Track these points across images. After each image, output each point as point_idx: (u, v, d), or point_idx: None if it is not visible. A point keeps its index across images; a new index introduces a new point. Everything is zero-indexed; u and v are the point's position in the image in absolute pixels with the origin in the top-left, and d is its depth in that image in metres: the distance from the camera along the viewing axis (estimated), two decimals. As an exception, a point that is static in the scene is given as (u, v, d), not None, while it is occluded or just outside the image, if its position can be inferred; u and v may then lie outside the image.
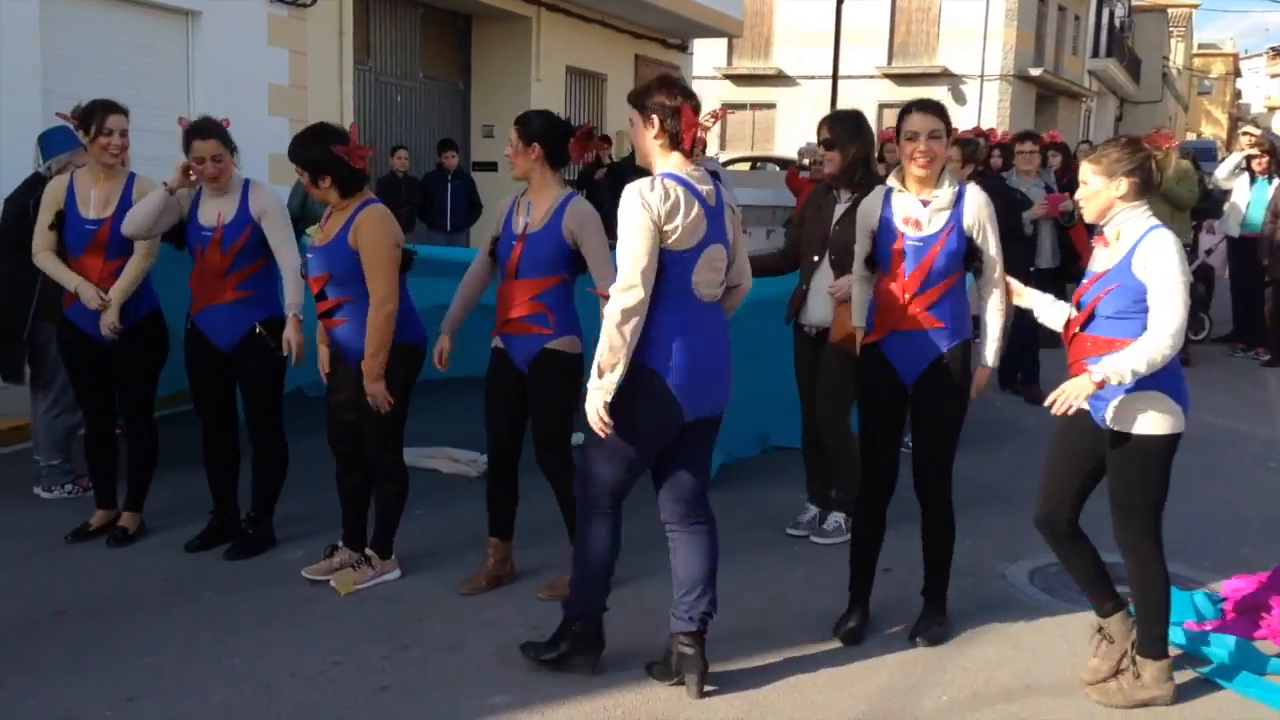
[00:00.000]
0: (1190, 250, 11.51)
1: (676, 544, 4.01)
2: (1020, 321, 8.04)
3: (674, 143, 3.78)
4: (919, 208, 4.22)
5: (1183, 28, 58.30)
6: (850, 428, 5.32)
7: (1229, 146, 44.72)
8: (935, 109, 4.23)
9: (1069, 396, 3.71)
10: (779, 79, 34.50)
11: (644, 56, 18.60)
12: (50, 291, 5.38)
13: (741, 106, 34.84)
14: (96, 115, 5.08)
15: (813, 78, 32.05)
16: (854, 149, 5.20)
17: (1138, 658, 3.96)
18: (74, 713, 3.71)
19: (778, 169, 21.76)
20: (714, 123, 4.01)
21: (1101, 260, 3.88)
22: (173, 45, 9.96)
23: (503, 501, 4.84)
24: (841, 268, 5.05)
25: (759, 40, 34.37)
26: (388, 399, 4.58)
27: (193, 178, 4.92)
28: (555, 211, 4.50)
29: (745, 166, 28.46)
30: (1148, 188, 3.80)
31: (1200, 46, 69.92)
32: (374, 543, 4.87)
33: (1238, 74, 74.25)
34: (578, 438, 6.93)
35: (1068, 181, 11.30)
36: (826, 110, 10.78)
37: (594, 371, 3.67)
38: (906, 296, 4.21)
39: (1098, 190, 3.82)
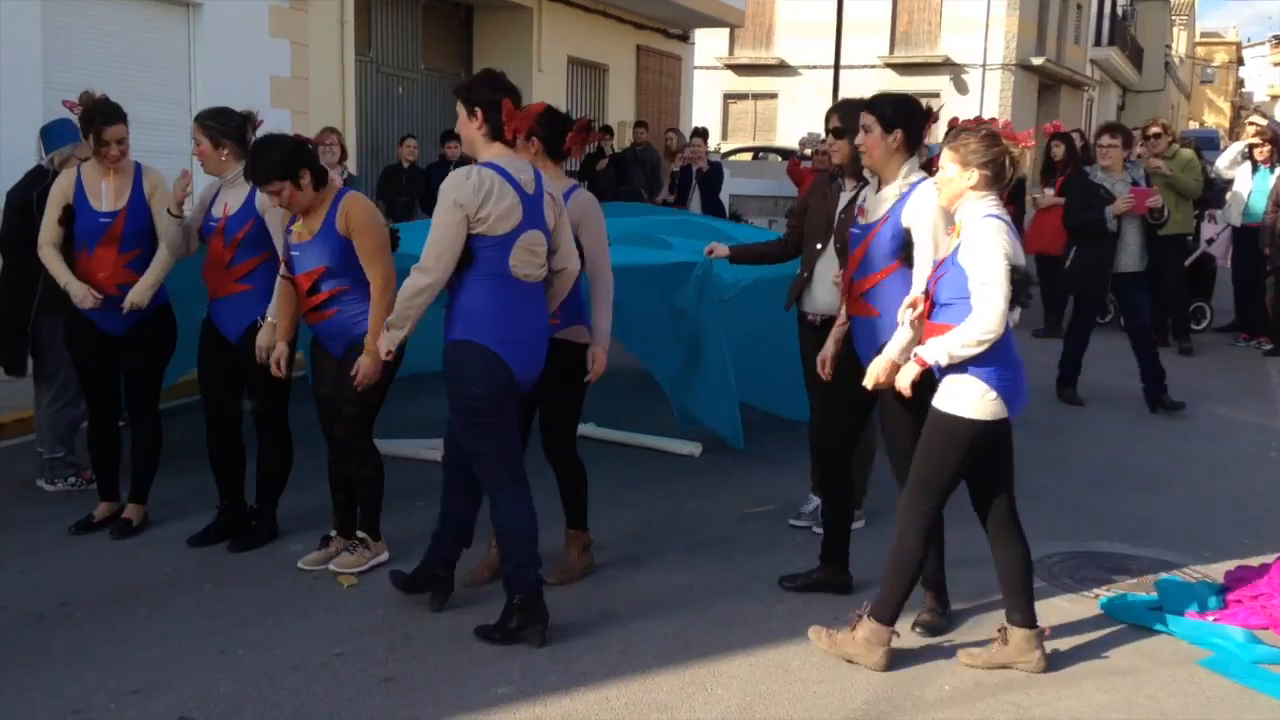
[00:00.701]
0: (1193, 239, 11.50)
1: (455, 482, 4.45)
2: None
3: (496, 134, 4.11)
4: (873, 198, 4.39)
5: (1185, 16, 58.11)
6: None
7: (1232, 135, 44.66)
8: (840, 108, 4.45)
9: (900, 381, 3.95)
10: (781, 69, 34.38)
11: (646, 47, 18.58)
12: (53, 285, 5.39)
13: (743, 96, 34.77)
14: (95, 125, 5.08)
15: (815, 67, 31.94)
16: None
17: (1006, 625, 4.07)
18: (78, 704, 3.72)
19: (780, 159, 21.71)
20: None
21: (945, 247, 4.03)
22: (174, 37, 9.96)
23: None
24: (844, 255, 5.06)
25: (761, 30, 34.24)
26: (374, 378, 4.58)
27: (188, 190, 5.09)
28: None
29: (747, 157, 28.40)
30: (998, 180, 3.90)
31: (1203, 35, 69.77)
32: (363, 526, 4.93)
33: (1240, 62, 74.09)
34: (580, 428, 6.98)
35: (1070, 173, 11.30)
36: (828, 100, 10.80)
37: (386, 321, 4.18)
38: (850, 282, 4.42)
39: (952, 178, 3.92)
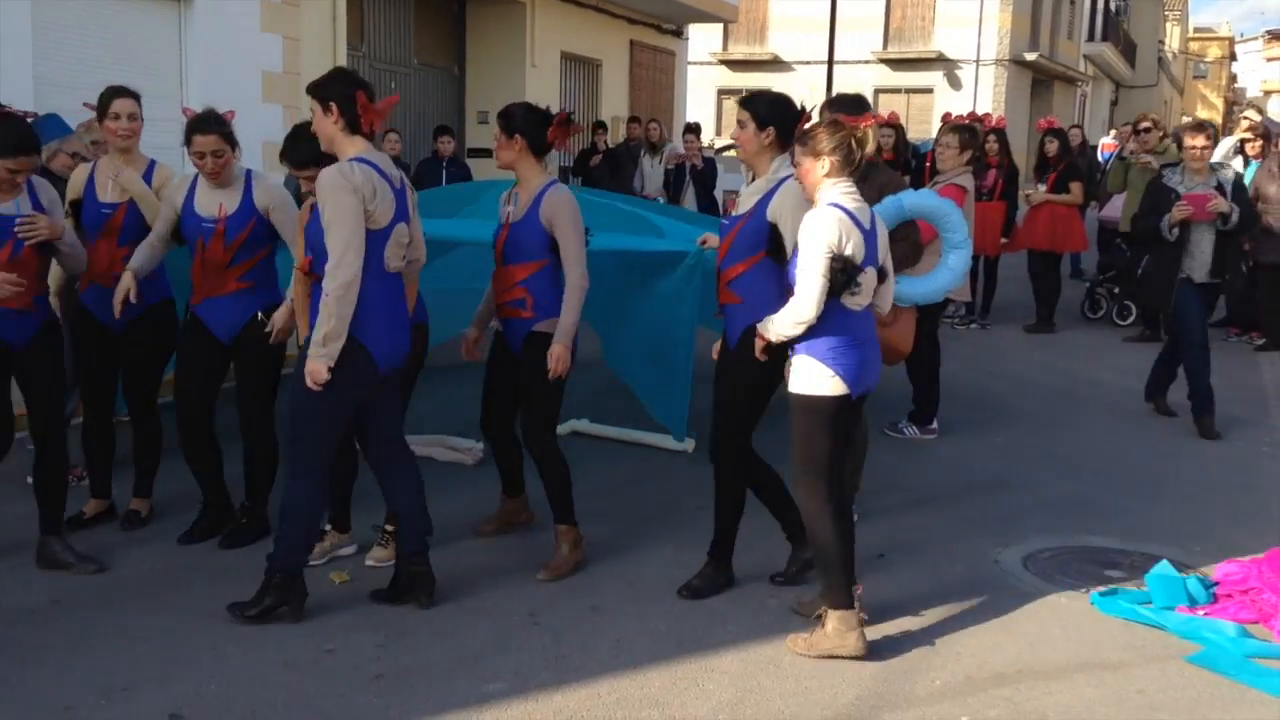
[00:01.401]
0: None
1: (389, 480, 4.45)
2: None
3: (354, 127, 4.12)
4: (745, 191, 4.49)
5: (1178, 11, 58.15)
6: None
7: (1225, 130, 44.67)
8: (741, 101, 4.45)
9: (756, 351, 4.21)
10: (774, 64, 34.38)
11: (639, 42, 18.55)
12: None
13: (737, 92, 34.70)
14: (104, 99, 5.12)
15: (808, 63, 31.94)
16: None
17: (825, 608, 4.13)
18: (69, 701, 3.71)
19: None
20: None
21: None
22: (166, 32, 9.91)
23: (504, 461, 5.16)
24: None
25: (754, 25, 34.26)
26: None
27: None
28: (534, 200, 4.69)
29: (741, 152, 28.39)
30: (848, 163, 4.05)
31: (1196, 30, 69.76)
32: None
33: (1233, 58, 74.07)
34: (573, 424, 6.97)
35: (1063, 168, 11.32)
36: (822, 96, 10.74)
37: (319, 339, 4.00)
38: (719, 271, 4.50)
39: (808, 170, 4.08)
